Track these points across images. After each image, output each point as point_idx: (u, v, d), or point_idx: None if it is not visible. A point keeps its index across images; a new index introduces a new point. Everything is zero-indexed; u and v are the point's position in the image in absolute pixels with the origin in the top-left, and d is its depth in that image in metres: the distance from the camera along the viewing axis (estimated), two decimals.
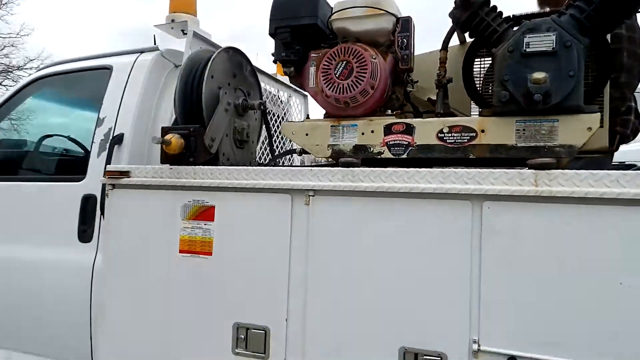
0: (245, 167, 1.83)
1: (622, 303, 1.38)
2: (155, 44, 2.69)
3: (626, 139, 2.13)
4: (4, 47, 27.58)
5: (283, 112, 3.38)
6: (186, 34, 2.63)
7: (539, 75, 1.49)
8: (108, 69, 2.62)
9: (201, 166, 1.90)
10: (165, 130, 1.99)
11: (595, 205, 1.42)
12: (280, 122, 3.23)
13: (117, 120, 2.46)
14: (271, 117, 3.09)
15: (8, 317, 2.53)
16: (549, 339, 1.45)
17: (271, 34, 1.97)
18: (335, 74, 1.78)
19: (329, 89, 1.79)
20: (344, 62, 1.76)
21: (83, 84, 2.76)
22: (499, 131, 1.62)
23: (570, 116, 1.55)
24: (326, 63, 1.80)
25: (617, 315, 1.39)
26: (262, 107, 2.21)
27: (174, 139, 1.91)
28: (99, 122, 2.50)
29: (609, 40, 1.76)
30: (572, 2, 1.59)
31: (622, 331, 1.38)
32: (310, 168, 1.77)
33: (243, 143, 2.23)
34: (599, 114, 1.52)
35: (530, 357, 1.46)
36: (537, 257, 1.47)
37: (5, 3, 26.87)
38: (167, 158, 1.97)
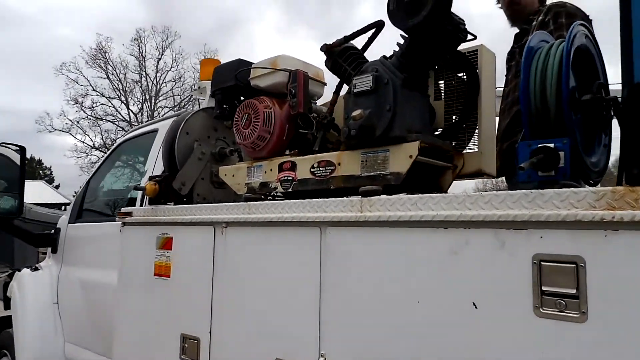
0: (184, 206, 2.28)
1: (420, 311, 1.45)
2: (200, 107, 3.34)
3: None
4: None
5: None
6: None
7: (355, 113, 1.65)
8: (156, 131, 3.34)
9: (161, 206, 2.41)
10: (150, 179, 2.56)
11: (401, 227, 1.52)
12: None
13: (153, 170, 3.13)
14: None
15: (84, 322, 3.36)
16: (373, 349, 1.56)
17: (211, 96, 2.42)
18: (241, 125, 2.13)
19: (238, 137, 2.15)
20: (246, 114, 2.11)
21: (144, 144, 3.54)
22: (349, 163, 1.79)
23: (397, 146, 1.65)
24: (236, 116, 2.17)
25: (419, 319, 1.45)
26: (234, 154, 2.64)
27: (149, 185, 2.46)
28: (144, 173, 3.21)
29: None
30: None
31: (420, 332, 1.44)
32: (225, 204, 2.13)
33: (223, 184, 2.68)
34: (418, 142, 1.60)
35: None
36: (363, 278, 1.60)
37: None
38: (152, 200, 2.53)
